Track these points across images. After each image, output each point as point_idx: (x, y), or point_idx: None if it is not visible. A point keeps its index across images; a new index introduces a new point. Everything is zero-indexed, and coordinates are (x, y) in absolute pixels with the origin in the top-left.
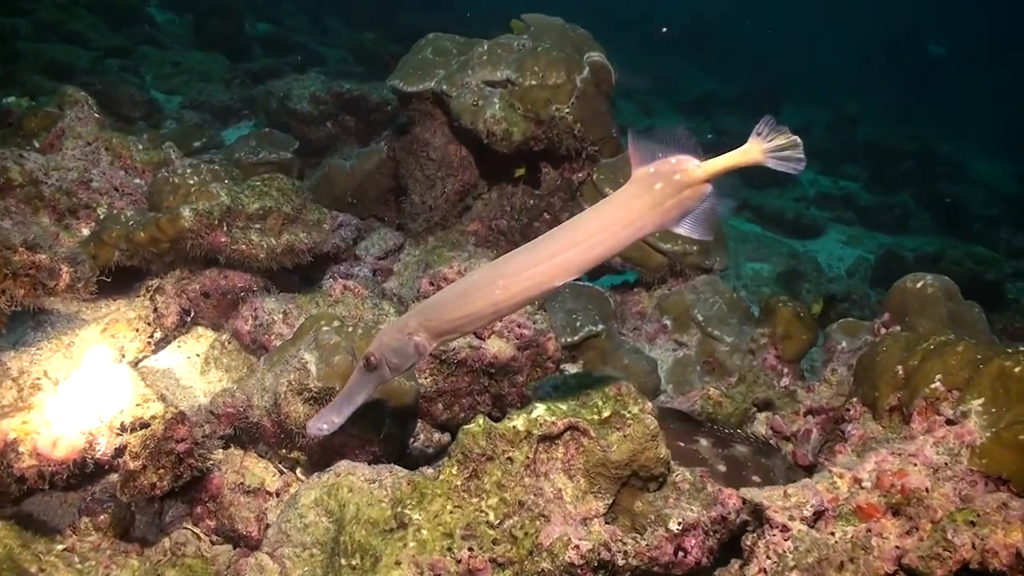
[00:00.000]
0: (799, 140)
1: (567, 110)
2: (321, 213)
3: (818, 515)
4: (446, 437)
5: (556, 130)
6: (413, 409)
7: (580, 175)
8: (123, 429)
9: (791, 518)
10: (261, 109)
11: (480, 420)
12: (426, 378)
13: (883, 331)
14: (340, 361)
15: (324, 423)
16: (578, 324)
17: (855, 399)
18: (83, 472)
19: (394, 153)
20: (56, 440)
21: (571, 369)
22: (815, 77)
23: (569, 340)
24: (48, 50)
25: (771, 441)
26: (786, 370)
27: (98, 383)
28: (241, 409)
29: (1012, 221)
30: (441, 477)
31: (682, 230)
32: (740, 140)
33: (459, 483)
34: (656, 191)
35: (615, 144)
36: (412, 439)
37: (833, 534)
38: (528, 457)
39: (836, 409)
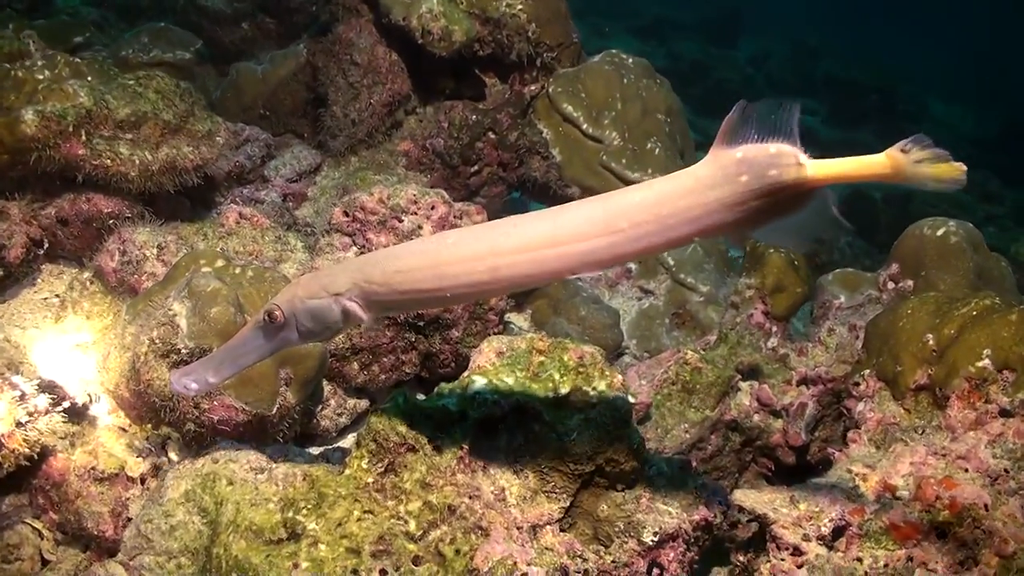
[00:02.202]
0: (963, 166)
1: (520, 7)
2: (213, 123)
3: (838, 532)
4: (363, 403)
5: (506, 31)
6: (319, 374)
7: (533, 88)
8: None
9: (805, 537)
10: (168, 7)
11: (399, 399)
12: None
13: (891, 285)
14: (219, 314)
15: (193, 380)
16: None
17: (867, 371)
18: None
19: (314, 57)
20: None
21: (518, 322)
22: (774, 5)
23: None
24: None
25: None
26: (775, 329)
27: None
28: (96, 372)
29: (980, 164)
30: (347, 472)
31: (764, 237)
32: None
33: (370, 480)
34: (740, 184)
35: (575, 51)
36: (320, 406)
37: (860, 560)
38: (462, 447)
39: (837, 380)
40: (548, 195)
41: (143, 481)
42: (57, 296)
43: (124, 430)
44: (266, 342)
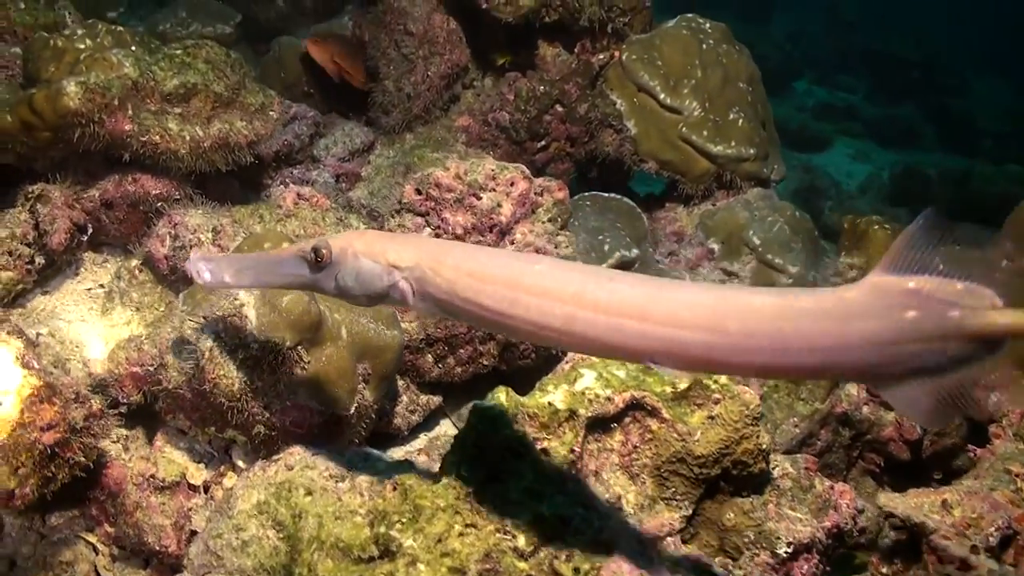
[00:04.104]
0: None
1: None
2: (266, 96)
3: (1005, 542)
4: (436, 399)
5: None
6: (395, 367)
7: (602, 56)
8: None
9: (973, 549)
10: None
11: (501, 396)
12: (411, 322)
13: (1005, 264)
14: (292, 303)
15: (210, 270)
16: (606, 247)
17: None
18: None
19: (361, 30)
20: None
21: None
22: None
23: None
24: None
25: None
26: None
27: None
28: (152, 369)
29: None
30: (444, 480)
31: (896, 400)
32: None
33: (472, 490)
34: (903, 320)
35: (647, 16)
36: (393, 403)
37: None
38: (572, 450)
39: None
40: (622, 171)
41: (206, 489)
42: (102, 286)
43: (183, 432)
44: (296, 275)
